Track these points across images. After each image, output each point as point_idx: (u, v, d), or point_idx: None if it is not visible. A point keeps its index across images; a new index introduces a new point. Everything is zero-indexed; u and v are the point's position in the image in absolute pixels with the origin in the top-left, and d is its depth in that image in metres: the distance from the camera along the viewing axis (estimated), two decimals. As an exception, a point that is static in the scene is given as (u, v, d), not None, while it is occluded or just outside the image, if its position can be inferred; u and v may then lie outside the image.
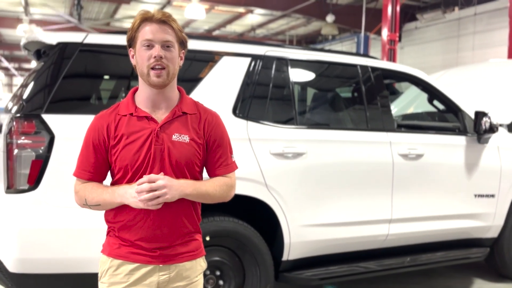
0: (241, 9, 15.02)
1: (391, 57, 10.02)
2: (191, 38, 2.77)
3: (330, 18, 13.80)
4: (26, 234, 2.23)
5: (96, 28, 15.43)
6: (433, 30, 13.48)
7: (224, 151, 1.56)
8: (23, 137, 2.22)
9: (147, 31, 1.42)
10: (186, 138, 1.47)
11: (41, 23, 15.36)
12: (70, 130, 2.28)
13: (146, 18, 1.44)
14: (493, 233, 3.62)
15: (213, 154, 1.54)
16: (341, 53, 3.28)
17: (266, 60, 2.86)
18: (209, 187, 1.51)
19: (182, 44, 1.50)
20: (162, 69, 1.41)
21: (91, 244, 2.17)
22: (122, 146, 1.44)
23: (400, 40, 10.65)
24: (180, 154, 1.45)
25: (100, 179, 1.51)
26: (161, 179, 1.37)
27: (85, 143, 1.49)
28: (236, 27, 17.92)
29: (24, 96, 2.37)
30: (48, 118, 2.26)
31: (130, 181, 1.44)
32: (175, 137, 1.45)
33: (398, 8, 9.99)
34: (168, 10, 15.09)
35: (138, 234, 1.46)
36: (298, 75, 3.06)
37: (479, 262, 3.71)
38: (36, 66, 2.66)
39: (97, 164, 1.48)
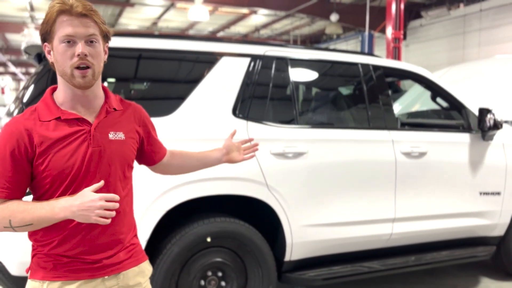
0: (244, 10, 15.02)
1: (396, 55, 9.96)
2: (190, 40, 2.78)
3: (334, 17, 13.76)
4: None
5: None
6: (438, 27, 13.39)
7: (157, 138, 1.60)
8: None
9: (67, 25, 1.25)
10: (121, 136, 1.40)
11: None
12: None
13: (63, 10, 1.25)
14: (499, 231, 3.57)
15: (150, 144, 1.55)
16: (342, 52, 3.26)
17: (266, 60, 2.85)
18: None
19: (106, 37, 1.35)
20: (87, 68, 1.27)
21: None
22: (52, 154, 1.27)
23: (405, 38, 10.60)
24: (118, 152, 1.38)
25: (19, 196, 1.29)
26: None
27: (0, 155, 1.26)
28: (240, 28, 17.94)
29: (25, 100, 2.38)
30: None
31: (65, 191, 1.29)
32: (111, 136, 1.36)
33: (402, 6, 9.93)
34: (172, 12, 15.15)
35: (79, 248, 1.33)
36: (298, 75, 3.04)
37: (485, 260, 3.67)
38: (36, 70, 2.67)
39: (17, 178, 1.26)
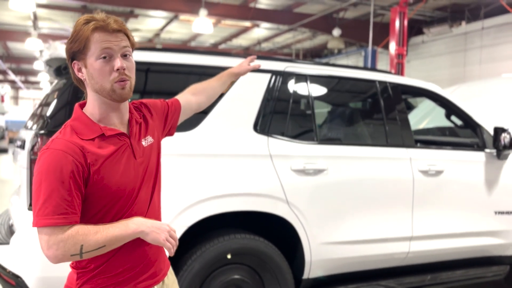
0: (247, 23, 15.13)
1: (399, 71, 10.03)
2: (213, 55, 2.79)
3: (336, 32, 13.87)
4: (48, 252, 2.20)
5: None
6: (439, 44, 13.51)
7: (165, 104, 1.61)
8: (47, 154, 2.21)
9: (103, 41, 1.25)
10: (150, 139, 1.42)
11: (49, 37, 15.53)
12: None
13: (98, 27, 1.25)
14: (513, 251, 3.56)
15: (169, 117, 1.59)
16: (359, 69, 3.27)
17: (286, 76, 2.86)
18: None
19: (133, 49, 1.37)
20: (126, 81, 1.29)
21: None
22: (107, 171, 1.26)
23: (406, 54, 10.68)
24: (154, 156, 1.41)
25: (80, 219, 1.24)
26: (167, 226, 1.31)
27: (55, 180, 1.18)
28: (242, 41, 18.04)
29: (48, 113, 2.37)
30: (72, 134, 2.25)
31: (122, 207, 1.29)
32: (144, 142, 1.39)
33: (405, 22, 10.03)
34: (175, 24, 15.22)
35: (136, 268, 1.35)
36: (318, 91, 3.05)
37: (498, 280, 3.64)
38: (59, 83, 2.67)
39: (79, 201, 1.22)
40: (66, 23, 14.69)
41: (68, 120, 1.33)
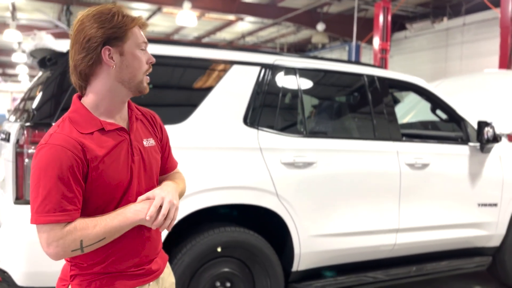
0: (231, 17, 15.05)
1: (383, 66, 10.12)
2: (201, 47, 2.76)
3: (320, 26, 13.91)
4: (35, 246, 2.16)
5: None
6: (422, 40, 13.68)
7: (170, 146, 1.54)
8: (33, 147, 2.17)
9: (142, 35, 1.30)
10: (153, 142, 1.39)
11: (28, 28, 15.17)
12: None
13: (139, 24, 1.29)
14: (495, 242, 3.64)
15: (164, 151, 1.49)
16: (347, 63, 3.29)
17: (275, 69, 2.85)
18: (181, 184, 1.46)
19: None
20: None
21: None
22: (106, 166, 1.23)
23: (389, 49, 10.79)
24: (154, 159, 1.38)
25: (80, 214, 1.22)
26: (163, 198, 1.25)
27: (54, 176, 1.15)
28: (226, 35, 17.95)
29: (34, 105, 2.32)
30: (59, 127, 2.20)
31: (119, 202, 1.27)
32: (145, 143, 1.36)
33: (389, 18, 10.12)
34: (158, 17, 15.05)
35: (135, 260, 1.32)
36: (307, 84, 3.05)
37: (480, 271, 3.73)
38: (44, 74, 2.61)
39: (80, 197, 1.20)
40: (46, 15, 14.38)
41: (66, 113, 1.29)
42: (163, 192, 1.27)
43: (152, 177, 1.37)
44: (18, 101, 2.93)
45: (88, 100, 1.28)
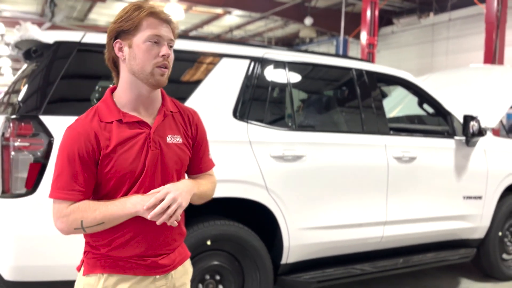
0: (219, 10, 14.96)
1: (370, 61, 10.17)
2: (190, 39, 2.75)
3: (308, 21, 13.92)
4: (22, 240, 2.14)
5: (84, 26, 15.06)
6: (408, 35, 13.79)
7: (206, 148, 1.53)
8: (20, 139, 2.13)
9: (156, 26, 1.30)
10: (179, 139, 1.40)
11: (12, 20, 14.88)
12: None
13: (153, 13, 1.30)
14: (480, 234, 3.71)
15: (198, 151, 1.49)
16: (336, 56, 3.30)
17: (265, 63, 2.85)
18: (205, 186, 1.46)
19: None
20: (166, 68, 1.32)
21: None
22: (116, 157, 1.29)
23: (376, 43, 10.86)
24: (175, 156, 1.38)
25: (89, 197, 1.31)
26: (167, 193, 1.26)
27: (66, 158, 1.26)
28: (214, 28, 17.85)
29: (20, 97, 2.28)
30: (46, 119, 2.18)
31: (127, 193, 1.31)
32: (169, 139, 1.37)
33: (376, 12, 10.16)
34: (145, 9, 14.88)
35: (137, 249, 1.34)
36: (296, 78, 3.05)
37: (465, 262, 3.80)
38: (30, 66, 2.56)
39: (87, 180, 1.28)
40: (29, 6, 14.12)
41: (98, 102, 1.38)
42: (172, 188, 1.29)
43: (170, 173, 1.37)
44: (2, 94, 2.88)
45: (116, 92, 1.38)
